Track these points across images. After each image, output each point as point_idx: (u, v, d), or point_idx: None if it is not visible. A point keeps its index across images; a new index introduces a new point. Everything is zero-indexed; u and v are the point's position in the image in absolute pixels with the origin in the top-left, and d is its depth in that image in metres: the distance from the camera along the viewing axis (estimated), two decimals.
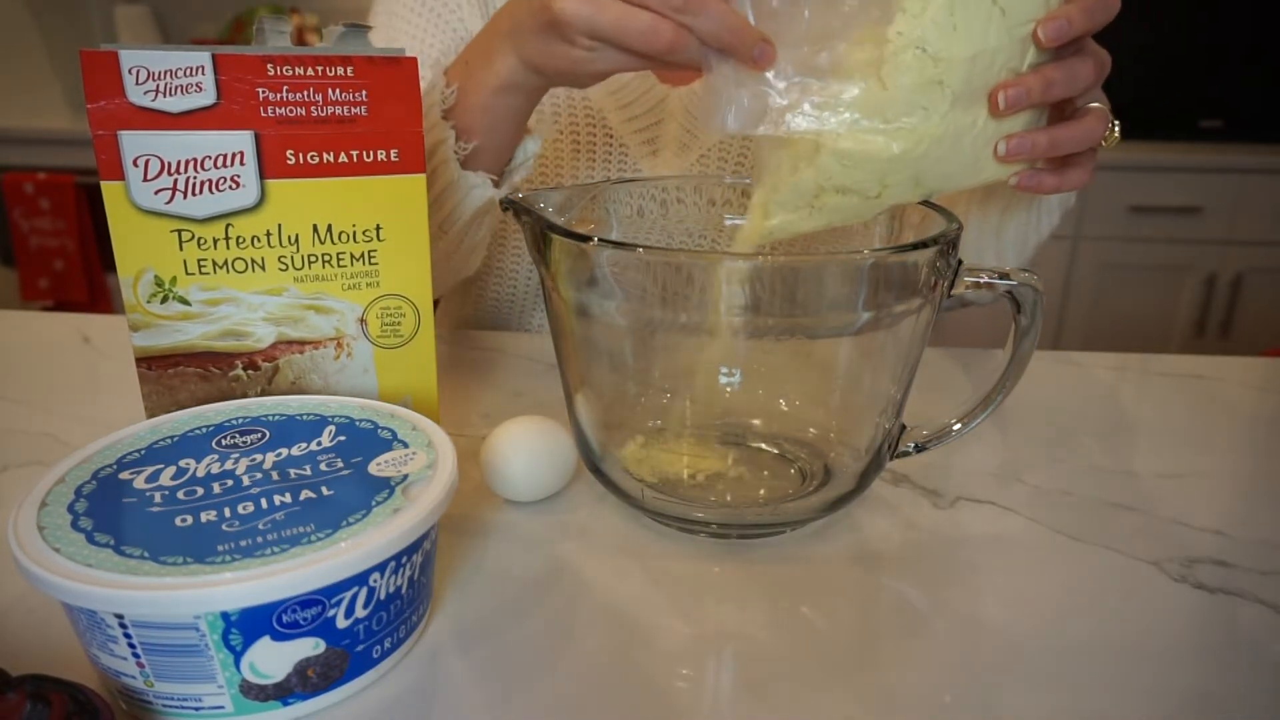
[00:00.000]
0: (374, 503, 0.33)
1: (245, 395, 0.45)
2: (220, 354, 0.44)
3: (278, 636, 0.30)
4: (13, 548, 0.30)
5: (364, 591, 0.32)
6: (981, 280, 0.41)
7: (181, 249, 0.41)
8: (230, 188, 0.41)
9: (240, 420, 0.40)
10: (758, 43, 0.42)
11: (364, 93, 0.42)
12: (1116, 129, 0.52)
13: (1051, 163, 0.48)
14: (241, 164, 0.41)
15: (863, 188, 0.42)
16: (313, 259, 0.44)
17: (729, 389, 0.45)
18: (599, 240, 0.38)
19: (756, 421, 0.49)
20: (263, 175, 0.42)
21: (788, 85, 0.42)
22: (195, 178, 0.41)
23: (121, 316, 0.59)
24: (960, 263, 0.41)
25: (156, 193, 0.40)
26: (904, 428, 0.46)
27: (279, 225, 0.43)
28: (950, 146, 0.42)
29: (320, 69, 0.41)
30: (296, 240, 0.43)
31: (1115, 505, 0.48)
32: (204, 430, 0.39)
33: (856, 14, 0.41)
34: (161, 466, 0.36)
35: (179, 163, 0.40)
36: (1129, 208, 2.02)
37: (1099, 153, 0.51)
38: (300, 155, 0.42)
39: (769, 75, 0.43)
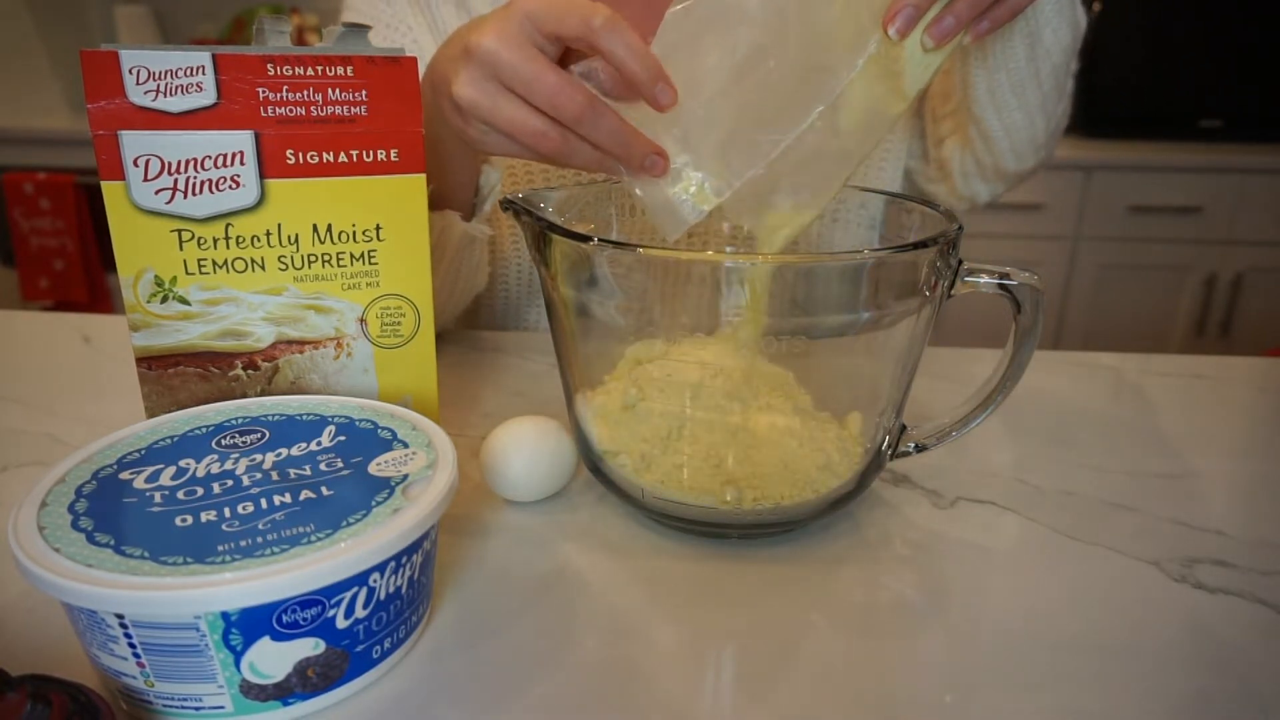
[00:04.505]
0: (374, 503, 0.33)
1: (245, 395, 0.45)
2: (220, 354, 0.44)
3: (278, 636, 0.30)
4: (13, 548, 0.30)
5: (364, 591, 0.32)
6: (982, 280, 0.41)
7: (181, 249, 0.41)
8: (230, 187, 0.41)
9: (240, 420, 0.40)
10: (648, 154, 0.44)
11: (364, 92, 0.42)
12: None
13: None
14: (241, 164, 0.41)
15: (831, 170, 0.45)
16: (312, 259, 0.44)
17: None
18: (599, 240, 0.38)
19: None
20: (263, 175, 0.42)
21: (701, 155, 0.45)
22: (195, 177, 0.41)
23: (121, 316, 0.59)
24: (960, 262, 0.41)
25: (157, 192, 0.40)
26: (904, 428, 0.46)
27: (279, 225, 0.43)
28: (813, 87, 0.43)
29: (320, 69, 0.41)
30: (296, 240, 0.43)
31: (1115, 505, 0.48)
32: (204, 430, 0.39)
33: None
34: (161, 466, 0.36)
35: (179, 163, 0.40)
36: (1129, 208, 2.02)
37: None
38: (300, 155, 0.42)
39: (681, 161, 0.45)
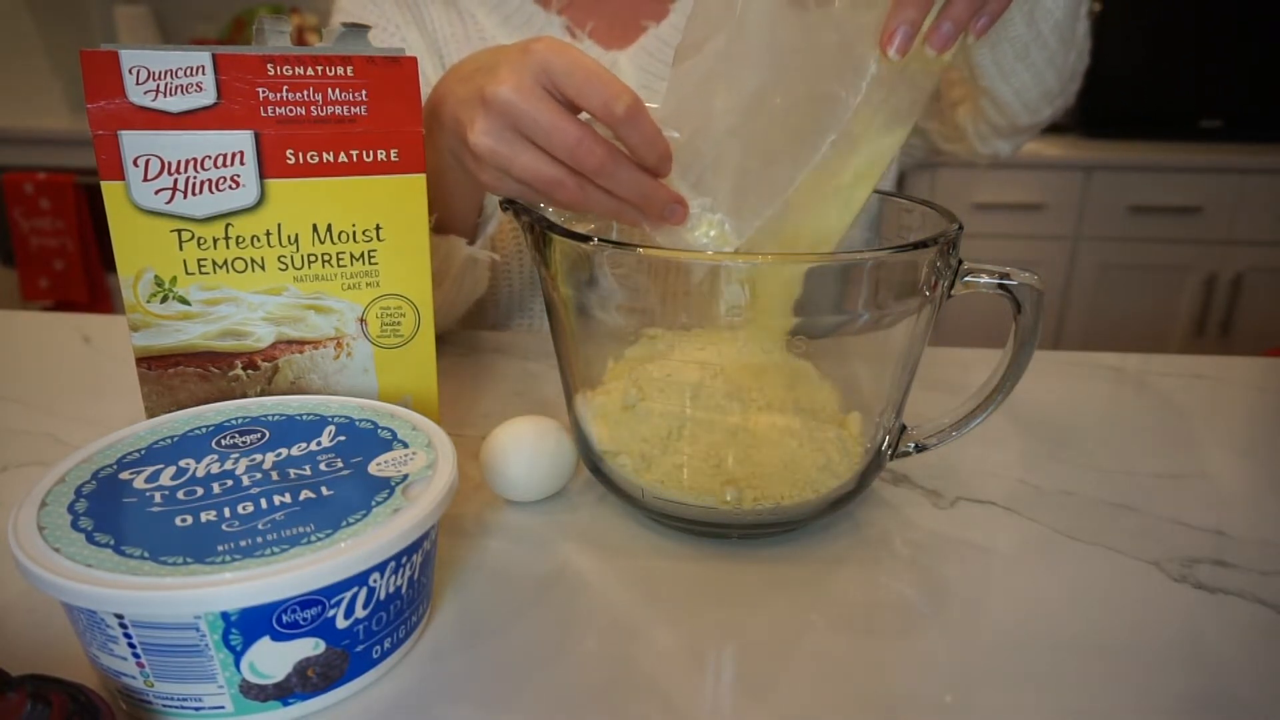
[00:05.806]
0: (374, 503, 0.33)
1: (245, 395, 0.45)
2: (220, 354, 0.44)
3: (278, 636, 0.30)
4: (13, 548, 0.30)
5: (364, 592, 0.32)
6: (982, 280, 0.41)
7: (181, 249, 0.41)
8: (230, 187, 0.41)
9: (240, 420, 0.40)
10: (667, 204, 0.44)
11: (364, 92, 0.42)
12: None
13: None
14: (241, 164, 0.41)
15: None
16: (312, 259, 0.44)
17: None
18: (599, 240, 0.38)
19: None
20: (263, 175, 0.42)
21: (719, 197, 0.45)
22: (195, 177, 0.41)
23: (121, 316, 0.59)
24: (960, 262, 0.41)
25: (156, 192, 0.40)
26: (904, 428, 0.46)
27: (279, 225, 0.43)
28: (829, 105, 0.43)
29: (320, 69, 0.41)
30: (296, 240, 0.43)
31: (1115, 505, 0.48)
32: (204, 430, 0.39)
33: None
34: (161, 466, 0.36)
35: (179, 162, 0.40)
36: (1129, 208, 2.02)
37: None
38: (300, 155, 0.42)
39: (699, 205, 0.45)
